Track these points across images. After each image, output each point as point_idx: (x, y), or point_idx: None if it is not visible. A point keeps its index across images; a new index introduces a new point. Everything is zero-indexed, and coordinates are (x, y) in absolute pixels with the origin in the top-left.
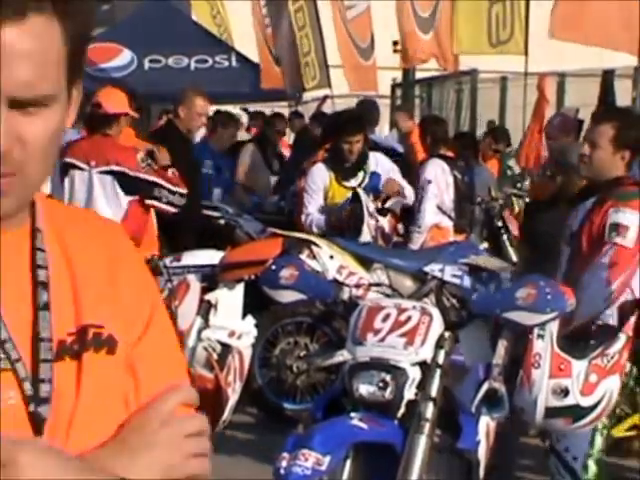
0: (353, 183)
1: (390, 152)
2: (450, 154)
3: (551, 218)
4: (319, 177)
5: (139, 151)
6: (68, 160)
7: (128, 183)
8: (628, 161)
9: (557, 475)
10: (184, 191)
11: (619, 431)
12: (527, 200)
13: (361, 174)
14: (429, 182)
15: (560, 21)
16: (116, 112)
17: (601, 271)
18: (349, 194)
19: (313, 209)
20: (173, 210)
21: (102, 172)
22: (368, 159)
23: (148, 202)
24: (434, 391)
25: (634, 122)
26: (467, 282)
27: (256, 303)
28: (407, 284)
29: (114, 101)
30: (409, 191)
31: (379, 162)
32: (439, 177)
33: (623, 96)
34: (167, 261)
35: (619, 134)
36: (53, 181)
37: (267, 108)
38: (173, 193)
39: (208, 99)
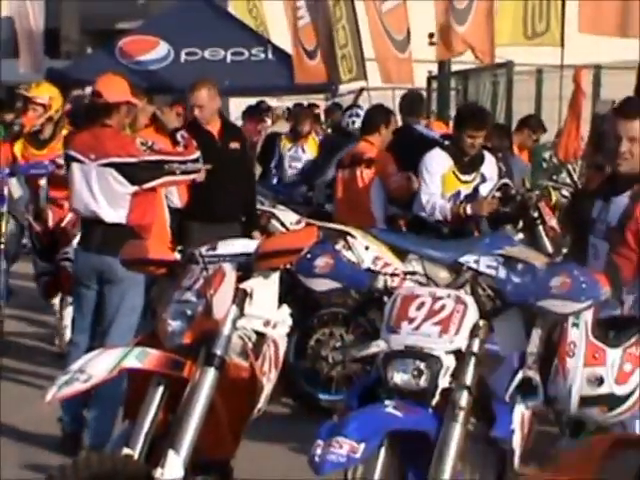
0: (467, 178)
1: (433, 143)
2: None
3: None
4: (439, 162)
5: (136, 137)
6: (70, 153)
7: (135, 171)
8: None
9: None
10: (195, 156)
11: None
12: (572, 191)
13: (475, 172)
14: None
15: (585, 15)
16: (117, 101)
17: None
18: (460, 188)
19: (436, 191)
20: (192, 177)
21: (102, 165)
22: (485, 159)
23: (166, 180)
24: (469, 379)
25: None
26: (502, 273)
27: (292, 292)
28: (442, 275)
29: (115, 89)
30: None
31: (487, 163)
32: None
33: None
34: (203, 250)
35: None
36: (20, 182)
37: (304, 101)
38: (184, 163)
39: (217, 90)
